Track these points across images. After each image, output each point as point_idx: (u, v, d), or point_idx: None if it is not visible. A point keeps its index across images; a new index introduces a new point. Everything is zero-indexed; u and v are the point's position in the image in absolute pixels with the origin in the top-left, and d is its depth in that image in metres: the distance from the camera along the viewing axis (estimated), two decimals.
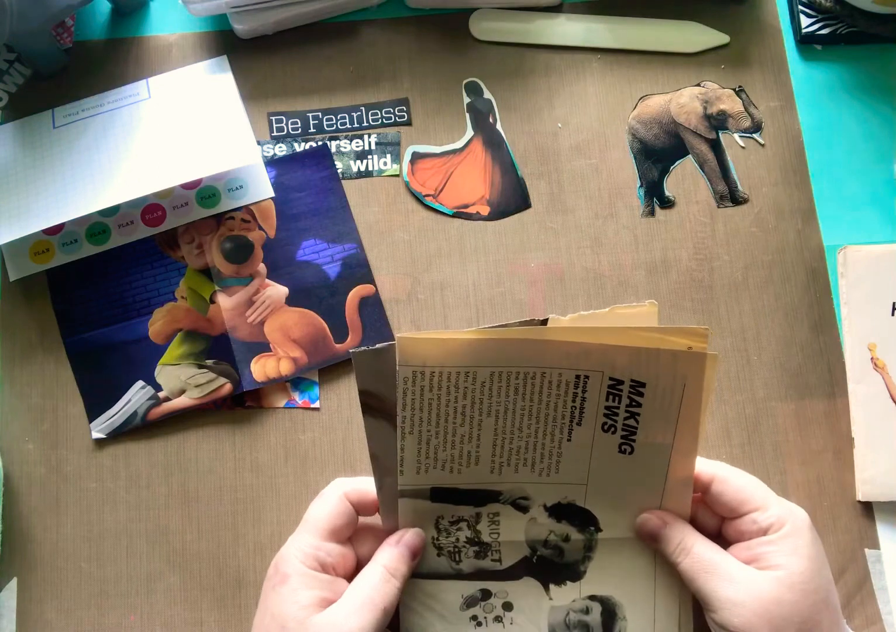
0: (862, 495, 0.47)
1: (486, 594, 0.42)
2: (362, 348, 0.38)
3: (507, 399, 0.40)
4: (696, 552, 0.39)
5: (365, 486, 0.41)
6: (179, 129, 0.53)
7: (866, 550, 0.48)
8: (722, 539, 0.40)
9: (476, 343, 0.38)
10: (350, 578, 0.40)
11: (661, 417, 0.39)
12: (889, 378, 0.47)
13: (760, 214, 0.53)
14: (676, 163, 0.55)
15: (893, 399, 0.47)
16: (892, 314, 0.48)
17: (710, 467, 0.41)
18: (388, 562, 0.40)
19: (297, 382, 0.51)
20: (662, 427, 0.39)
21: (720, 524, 0.41)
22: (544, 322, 0.39)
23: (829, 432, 0.50)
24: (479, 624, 0.42)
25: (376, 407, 0.39)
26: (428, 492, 0.41)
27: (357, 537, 0.42)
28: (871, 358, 0.48)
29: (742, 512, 0.39)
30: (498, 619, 0.42)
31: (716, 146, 0.55)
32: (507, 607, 0.43)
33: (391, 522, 0.42)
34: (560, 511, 0.42)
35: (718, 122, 0.55)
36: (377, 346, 0.38)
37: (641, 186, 0.54)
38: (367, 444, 0.40)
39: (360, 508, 0.41)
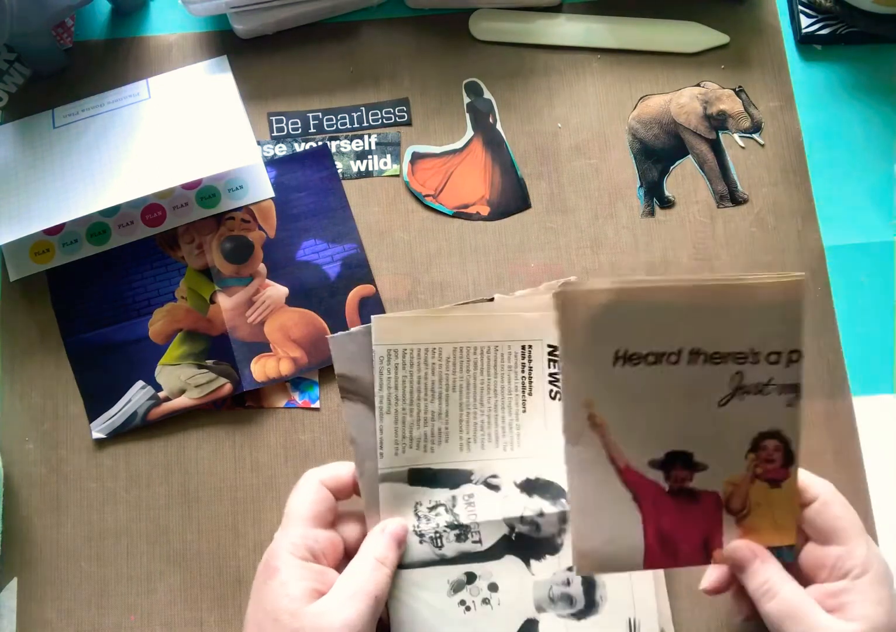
0: (578, 568, 0.40)
1: (471, 578, 0.43)
2: (339, 333, 0.42)
3: (469, 374, 0.43)
4: (784, 596, 0.38)
5: (338, 471, 0.42)
6: (179, 130, 0.53)
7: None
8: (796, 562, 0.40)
9: (439, 320, 0.43)
10: (339, 565, 0.40)
11: None
12: (609, 437, 0.39)
13: (760, 214, 0.53)
14: (676, 163, 0.55)
15: (611, 460, 0.40)
16: (614, 365, 0.38)
17: (819, 487, 0.40)
18: (375, 550, 0.40)
19: (297, 382, 0.51)
20: None
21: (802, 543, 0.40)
22: (491, 300, 0.45)
23: (829, 433, 0.50)
24: (468, 608, 0.43)
25: (354, 390, 0.42)
26: (406, 474, 0.43)
27: (340, 522, 0.42)
28: (589, 415, 0.39)
29: (829, 542, 0.39)
30: (485, 601, 0.43)
31: (716, 146, 0.55)
32: (493, 588, 0.43)
33: (374, 507, 0.42)
34: (530, 486, 0.44)
35: (718, 122, 0.55)
36: (353, 329, 0.42)
37: (641, 186, 0.54)
38: (346, 430, 0.42)
39: (337, 492, 0.41)
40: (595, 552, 0.40)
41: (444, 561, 0.43)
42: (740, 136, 0.55)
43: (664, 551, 0.40)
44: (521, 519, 0.43)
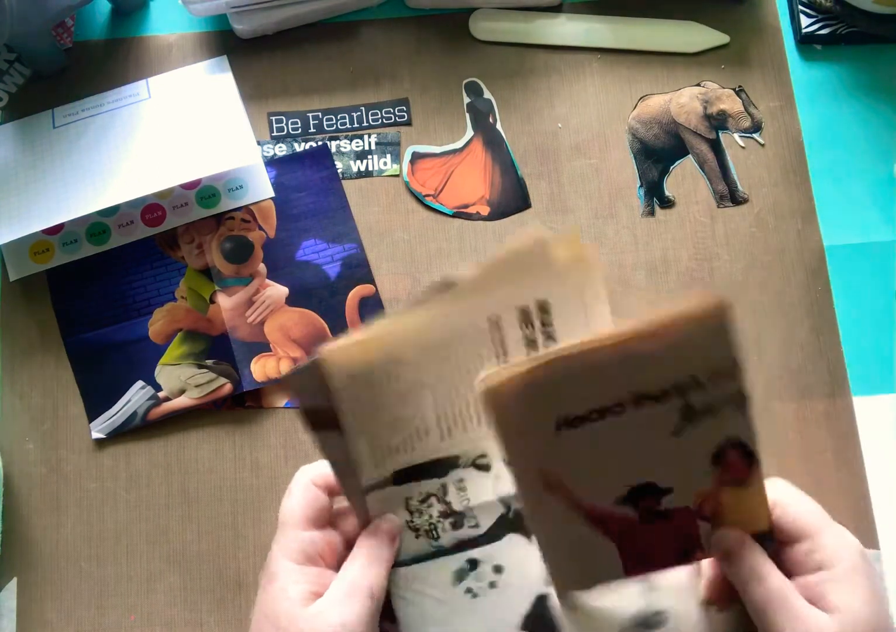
0: (562, 604, 0.41)
1: (473, 564, 0.42)
2: (291, 370, 0.39)
3: (438, 367, 0.40)
4: (770, 583, 0.37)
5: (328, 468, 0.41)
6: (179, 130, 0.53)
7: (866, 550, 0.48)
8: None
9: (392, 332, 0.39)
10: (339, 563, 0.40)
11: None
12: (568, 493, 0.38)
13: (760, 214, 0.53)
14: (676, 163, 0.55)
15: (577, 509, 0.39)
16: (558, 430, 0.36)
17: (772, 492, 0.39)
18: (367, 549, 0.40)
19: None
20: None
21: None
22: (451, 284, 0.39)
23: (829, 432, 0.50)
24: (475, 595, 0.41)
25: (322, 421, 0.39)
26: (391, 478, 0.41)
27: (338, 518, 0.42)
28: (544, 482, 0.38)
29: (797, 540, 0.39)
30: (492, 585, 0.42)
31: (716, 146, 0.55)
32: (498, 570, 0.42)
33: (364, 517, 0.41)
34: None
35: (718, 122, 0.55)
36: (304, 364, 0.38)
37: (641, 186, 0.54)
38: (321, 455, 0.40)
39: (329, 490, 0.41)
40: (575, 582, 0.40)
41: (443, 552, 0.42)
42: (740, 136, 0.55)
43: (643, 566, 0.40)
44: (516, 495, 0.42)
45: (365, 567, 0.39)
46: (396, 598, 0.41)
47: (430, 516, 0.42)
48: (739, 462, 0.38)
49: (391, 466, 0.41)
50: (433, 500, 0.42)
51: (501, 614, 0.41)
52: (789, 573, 0.39)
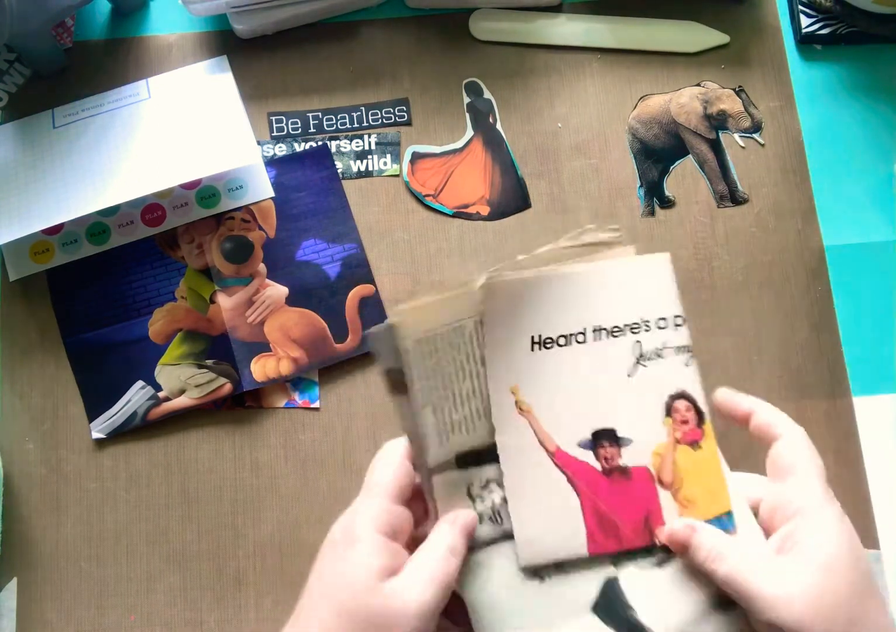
0: (522, 558, 0.41)
1: None
2: (375, 327, 0.40)
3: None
4: (731, 557, 0.38)
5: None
6: (179, 130, 0.53)
7: (866, 550, 0.48)
8: None
9: (456, 299, 0.41)
10: (409, 544, 0.40)
11: None
12: (536, 422, 0.41)
13: (760, 214, 0.53)
14: (676, 163, 0.55)
15: (542, 445, 0.42)
16: (532, 350, 0.41)
17: (783, 427, 0.42)
18: (448, 540, 0.39)
19: (296, 382, 0.51)
20: None
21: None
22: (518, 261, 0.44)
23: (830, 432, 0.50)
24: (542, 578, 0.41)
25: (397, 384, 0.41)
26: (454, 461, 0.42)
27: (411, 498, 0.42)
28: (516, 401, 0.41)
29: (783, 479, 0.40)
30: (559, 567, 0.42)
31: (716, 146, 0.55)
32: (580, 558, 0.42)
33: (431, 500, 0.42)
34: None
35: (718, 122, 0.55)
36: (386, 322, 0.40)
37: (641, 185, 0.54)
38: (402, 426, 0.41)
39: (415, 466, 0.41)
40: (538, 540, 0.41)
41: (508, 536, 0.42)
42: (740, 136, 0.55)
43: (606, 534, 0.41)
44: None
45: (443, 558, 0.39)
46: (465, 587, 0.41)
47: (493, 502, 0.42)
48: (691, 418, 0.42)
49: (454, 446, 0.42)
50: (493, 485, 0.42)
51: (570, 598, 0.41)
52: (772, 519, 0.40)
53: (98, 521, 0.50)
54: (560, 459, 0.42)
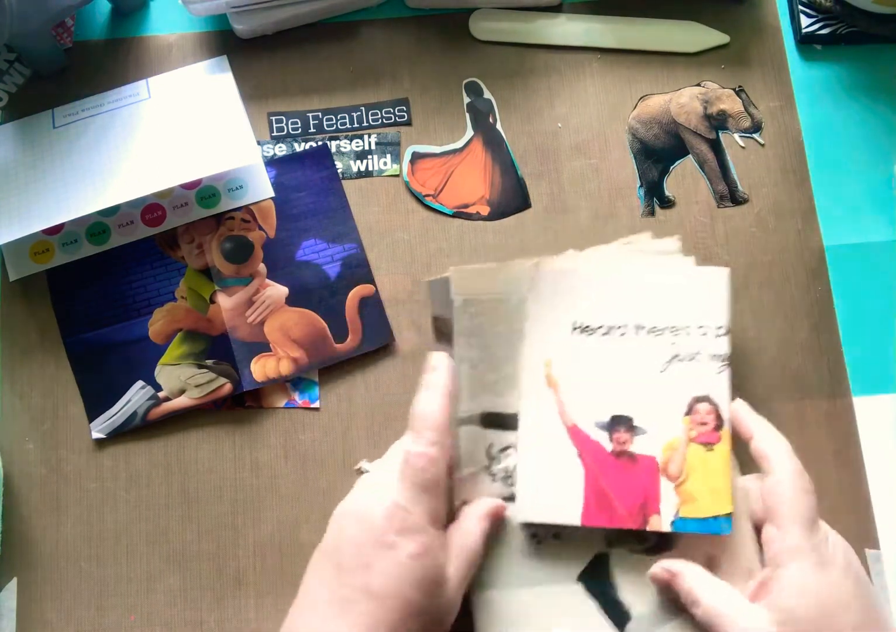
0: (519, 512, 0.44)
1: None
2: (436, 277, 0.47)
3: (537, 324, 0.46)
4: (705, 603, 0.40)
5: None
6: (179, 130, 0.53)
7: (866, 550, 0.48)
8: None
9: (508, 271, 0.46)
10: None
11: None
12: (559, 397, 0.45)
13: (760, 214, 0.53)
14: (676, 163, 0.55)
15: (561, 418, 0.45)
16: (572, 332, 0.46)
17: (778, 463, 0.43)
18: (483, 525, 0.43)
19: (296, 382, 0.51)
20: None
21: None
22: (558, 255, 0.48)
23: (830, 433, 0.50)
24: (539, 541, 0.45)
25: (443, 333, 0.47)
26: (479, 418, 0.46)
27: None
28: (546, 374, 0.45)
29: (770, 521, 0.42)
30: (556, 535, 0.45)
31: (716, 146, 0.55)
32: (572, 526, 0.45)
33: (454, 450, 0.45)
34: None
35: (718, 122, 0.55)
36: (444, 275, 0.47)
37: (641, 185, 0.54)
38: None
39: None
40: (537, 501, 0.44)
41: (514, 498, 0.45)
42: (740, 136, 0.55)
43: (601, 509, 0.44)
44: None
45: (477, 543, 0.42)
46: None
47: (508, 467, 0.45)
48: (710, 421, 0.45)
49: (483, 404, 0.46)
50: (512, 450, 0.46)
51: (561, 564, 0.44)
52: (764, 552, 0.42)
53: (98, 521, 0.50)
54: (574, 435, 0.45)
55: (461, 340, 0.46)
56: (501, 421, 0.46)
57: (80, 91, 0.56)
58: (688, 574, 0.41)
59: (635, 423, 0.45)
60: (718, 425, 0.44)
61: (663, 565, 0.42)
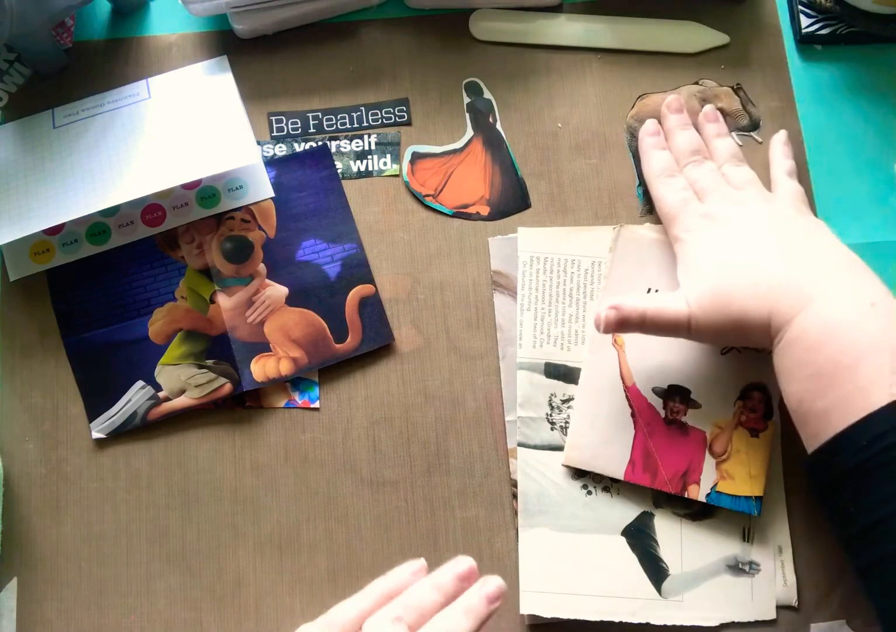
0: (566, 458, 0.48)
1: None
2: (499, 236, 0.52)
3: (602, 286, 0.50)
4: (649, 306, 0.44)
5: None
6: (179, 130, 0.53)
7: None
8: None
9: (578, 236, 0.51)
10: None
11: None
12: (623, 357, 0.48)
13: None
14: None
15: (622, 377, 0.48)
16: (648, 292, 0.50)
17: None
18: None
19: (296, 382, 0.51)
20: None
21: None
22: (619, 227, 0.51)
23: None
24: (589, 493, 0.48)
25: (503, 284, 0.51)
26: (542, 367, 0.49)
27: None
28: (614, 337, 0.49)
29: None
30: (606, 489, 0.48)
31: None
32: (614, 478, 0.47)
33: (511, 388, 0.49)
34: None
35: None
36: (510, 235, 0.51)
37: (640, 185, 0.54)
38: (494, 317, 0.50)
39: None
40: (585, 448, 0.47)
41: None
42: (738, 134, 0.55)
43: (646, 469, 0.47)
44: None
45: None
46: (522, 473, 0.48)
47: (568, 417, 0.48)
48: (760, 409, 0.47)
49: (546, 354, 0.49)
50: (573, 403, 0.48)
51: (607, 516, 0.47)
52: None
53: (98, 521, 0.50)
54: (632, 395, 0.48)
55: (525, 292, 0.50)
56: (566, 374, 0.49)
57: (80, 91, 0.56)
58: (627, 301, 0.45)
59: (692, 395, 0.47)
60: (768, 414, 0.47)
61: (604, 309, 0.44)
